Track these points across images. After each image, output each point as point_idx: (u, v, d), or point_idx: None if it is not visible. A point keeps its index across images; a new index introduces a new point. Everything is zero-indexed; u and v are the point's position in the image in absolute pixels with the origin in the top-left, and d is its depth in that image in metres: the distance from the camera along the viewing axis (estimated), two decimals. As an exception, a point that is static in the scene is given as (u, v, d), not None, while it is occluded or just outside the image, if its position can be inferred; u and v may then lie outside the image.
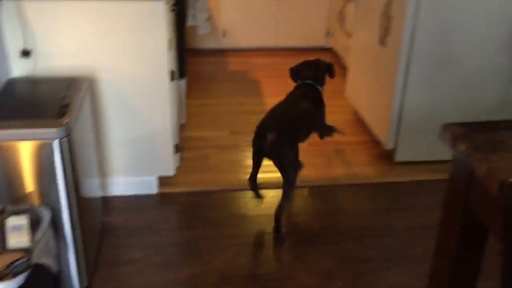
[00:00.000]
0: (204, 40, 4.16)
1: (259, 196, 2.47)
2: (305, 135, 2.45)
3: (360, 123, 3.20)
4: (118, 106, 2.30)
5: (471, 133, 1.05)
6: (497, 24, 2.50)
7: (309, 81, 2.51)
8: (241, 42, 4.32)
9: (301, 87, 2.52)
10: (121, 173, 2.44)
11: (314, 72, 2.53)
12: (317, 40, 4.30)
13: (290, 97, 2.48)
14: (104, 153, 2.38)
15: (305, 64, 2.58)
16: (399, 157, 2.77)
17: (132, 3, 2.14)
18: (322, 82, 2.55)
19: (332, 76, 2.58)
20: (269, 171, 2.72)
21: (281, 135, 2.19)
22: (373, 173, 2.74)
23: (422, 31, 2.46)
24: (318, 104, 2.52)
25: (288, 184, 2.24)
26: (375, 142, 2.96)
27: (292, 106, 2.40)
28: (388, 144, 2.75)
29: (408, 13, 2.43)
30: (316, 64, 2.55)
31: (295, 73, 2.57)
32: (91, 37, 2.15)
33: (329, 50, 4.30)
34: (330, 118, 3.20)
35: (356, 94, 3.23)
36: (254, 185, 2.42)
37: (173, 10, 2.56)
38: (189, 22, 3.00)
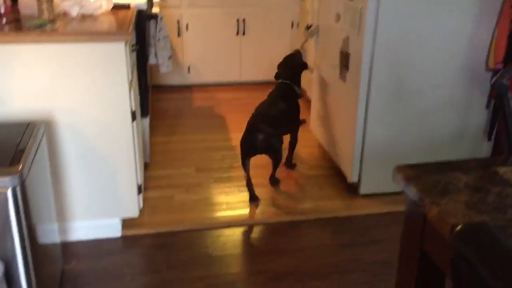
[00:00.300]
0: (169, 76, 4.17)
1: (256, 198, 2.77)
2: (286, 129, 2.87)
3: (325, 156, 3.23)
4: (78, 149, 2.25)
5: (422, 175, 1.06)
6: (449, 59, 2.59)
7: (287, 81, 2.96)
8: (205, 78, 4.35)
9: (280, 86, 2.96)
10: (83, 217, 2.37)
11: (291, 73, 2.98)
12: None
13: (271, 96, 2.90)
14: (64, 197, 2.32)
15: (284, 64, 3.04)
16: (363, 189, 2.80)
17: (91, 45, 2.13)
18: (298, 83, 2.99)
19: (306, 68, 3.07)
20: (232, 209, 2.71)
21: (268, 133, 2.64)
22: (339, 207, 2.74)
23: (379, 67, 2.53)
24: (293, 103, 2.93)
25: (277, 161, 2.80)
26: (339, 175, 2.98)
27: (274, 106, 2.81)
28: (352, 177, 2.77)
29: (364, 50, 2.49)
30: (292, 64, 3.01)
31: (276, 74, 3.04)
32: (49, 80, 2.12)
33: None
34: (296, 152, 3.22)
35: (320, 128, 3.27)
36: (251, 187, 2.78)
37: (134, 50, 2.56)
38: (151, 61, 3.00)
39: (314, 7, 3.20)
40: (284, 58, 3.10)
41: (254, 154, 2.73)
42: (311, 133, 3.42)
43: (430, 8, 2.47)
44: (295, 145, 3.07)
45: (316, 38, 3.18)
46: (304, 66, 3.06)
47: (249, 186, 2.76)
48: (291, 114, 2.92)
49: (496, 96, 1.21)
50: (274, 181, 2.92)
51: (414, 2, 2.44)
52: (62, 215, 2.33)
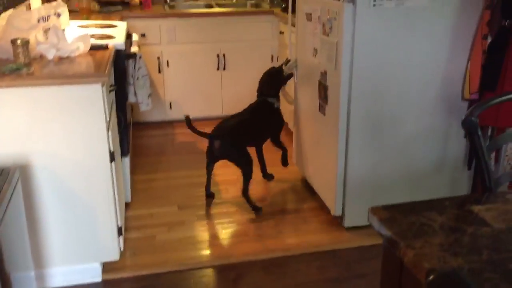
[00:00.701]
0: (151, 113, 4.16)
1: (212, 196, 3.13)
2: (249, 140, 3.07)
3: (309, 189, 3.21)
4: (56, 192, 2.21)
5: (397, 217, 1.05)
6: (426, 89, 2.62)
7: (264, 98, 3.15)
8: (187, 113, 4.33)
9: (255, 102, 3.17)
10: (61, 262, 2.31)
11: (267, 89, 3.16)
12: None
13: (244, 111, 3.15)
14: (41, 242, 2.26)
15: (264, 81, 3.21)
16: (347, 222, 2.78)
17: (68, 88, 2.11)
18: (275, 96, 3.18)
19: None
20: (215, 246, 2.67)
21: (224, 141, 2.89)
22: (323, 241, 2.72)
23: (357, 99, 2.55)
24: (265, 117, 3.14)
25: (244, 173, 2.94)
26: (323, 208, 2.96)
27: (237, 117, 3.04)
28: (336, 211, 2.75)
29: (342, 84, 2.51)
30: (269, 82, 3.18)
31: (257, 91, 3.22)
32: (25, 124, 2.10)
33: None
34: (280, 186, 3.22)
35: (302, 161, 3.27)
36: (209, 192, 3.12)
37: (112, 90, 2.55)
38: (131, 99, 2.99)
39: (292, 42, 3.22)
40: (264, 73, 3.24)
41: (214, 160, 3.01)
42: (294, 166, 3.41)
43: (405, 40, 2.51)
44: (279, 144, 3.26)
45: (295, 72, 3.21)
46: (286, 78, 3.20)
47: (207, 188, 3.11)
48: (260, 127, 3.14)
49: (467, 134, 1.21)
50: (245, 196, 2.98)
51: (389, 34, 2.48)
52: (39, 262, 2.27)
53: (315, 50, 2.81)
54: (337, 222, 2.84)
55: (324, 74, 2.72)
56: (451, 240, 0.98)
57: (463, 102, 2.68)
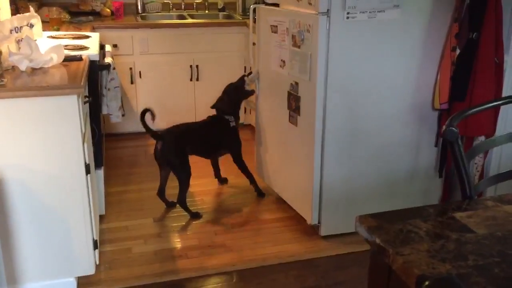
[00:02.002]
0: (123, 124, 4.10)
1: (171, 205, 3.12)
2: (204, 152, 3.19)
3: (277, 200, 3.21)
4: (29, 206, 2.16)
5: (384, 225, 1.08)
6: (398, 100, 2.69)
7: (221, 115, 3.20)
8: (160, 124, 4.30)
9: (211, 117, 3.24)
10: (35, 278, 2.25)
11: (225, 107, 3.20)
12: (241, 117, 4.38)
13: (200, 121, 3.27)
14: (14, 258, 2.20)
15: (221, 98, 3.25)
16: (324, 231, 2.81)
17: (42, 100, 2.07)
18: (234, 113, 3.22)
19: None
20: (191, 257, 2.64)
21: (166, 143, 2.96)
22: (300, 250, 2.74)
23: (332, 110, 2.59)
24: (223, 132, 3.18)
25: (180, 182, 2.99)
26: (297, 218, 2.97)
27: (189, 125, 3.16)
28: (313, 220, 2.78)
29: (318, 95, 2.55)
30: (227, 100, 3.21)
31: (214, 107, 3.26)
32: (-3, 137, 2.04)
33: (248, 126, 4.39)
34: (253, 196, 3.22)
35: (267, 171, 3.26)
36: (163, 197, 3.13)
37: (87, 102, 2.52)
38: (104, 111, 2.95)
39: (254, 54, 3.22)
40: (227, 86, 3.26)
41: (159, 164, 3.06)
42: (257, 177, 3.38)
43: (377, 52, 2.57)
44: (240, 164, 3.25)
45: (256, 84, 3.20)
46: (246, 94, 3.24)
47: (160, 194, 3.13)
48: (209, 141, 3.18)
49: (448, 144, 1.25)
50: (181, 204, 3.02)
51: (361, 46, 2.54)
52: (12, 278, 2.20)
53: (283, 62, 2.81)
54: (313, 231, 2.87)
55: (295, 85, 2.73)
56: (437, 246, 1.01)
57: (434, 112, 2.76)
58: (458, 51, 2.56)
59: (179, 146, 2.98)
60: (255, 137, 3.38)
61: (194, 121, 3.49)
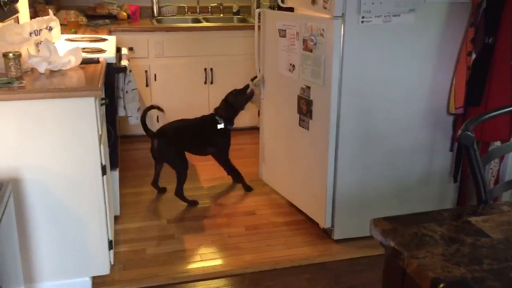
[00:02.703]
0: (138, 126, 4.13)
1: (162, 190, 3.36)
2: (196, 149, 3.33)
3: (289, 203, 3.20)
4: (47, 206, 2.19)
5: (399, 228, 1.08)
6: (412, 104, 2.68)
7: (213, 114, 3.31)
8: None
9: (205, 116, 3.35)
10: (51, 277, 2.28)
11: (225, 111, 3.30)
12: (250, 120, 4.40)
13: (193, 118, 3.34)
14: (32, 257, 2.23)
15: (221, 105, 3.35)
16: (337, 235, 2.81)
17: (60, 101, 2.11)
18: (227, 119, 3.30)
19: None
20: (205, 260, 2.67)
21: (162, 141, 3.14)
22: (313, 253, 2.74)
23: (346, 114, 2.59)
24: (212, 132, 3.28)
25: (178, 175, 3.18)
26: (310, 221, 2.97)
27: (182, 122, 3.27)
28: (326, 223, 2.78)
29: (332, 99, 2.55)
30: (225, 107, 3.31)
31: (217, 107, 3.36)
32: (17, 137, 2.08)
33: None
34: (265, 199, 3.23)
35: (275, 176, 3.25)
36: (156, 185, 3.36)
37: (103, 104, 2.55)
38: (120, 113, 2.99)
39: (259, 58, 3.18)
40: (230, 91, 3.34)
41: (156, 160, 3.26)
42: (262, 181, 3.39)
43: (392, 56, 2.57)
44: (223, 164, 3.39)
45: (261, 89, 3.20)
46: (244, 102, 3.31)
47: (154, 184, 3.35)
48: (200, 138, 3.29)
49: (463, 148, 1.25)
50: (178, 195, 3.20)
51: (376, 50, 2.54)
52: (29, 276, 2.24)
53: (292, 66, 2.81)
54: (325, 234, 2.87)
55: (306, 89, 2.73)
56: (452, 250, 1.01)
57: (448, 117, 2.75)
58: (474, 56, 2.55)
59: (172, 142, 3.16)
60: (259, 142, 3.39)
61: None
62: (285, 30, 2.84)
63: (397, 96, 2.64)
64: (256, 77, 3.23)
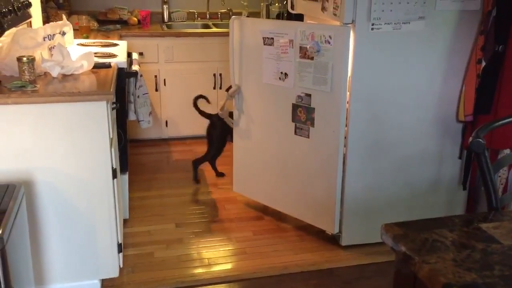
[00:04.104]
0: (147, 130, 4.16)
1: (220, 175, 3.69)
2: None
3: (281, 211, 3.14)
4: (58, 208, 2.22)
5: (410, 234, 1.09)
6: (422, 111, 2.69)
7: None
8: (183, 131, 4.37)
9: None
10: (61, 279, 2.31)
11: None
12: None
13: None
14: (42, 259, 2.26)
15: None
16: (345, 241, 2.81)
17: (73, 105, 2.14)
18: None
19: None
20: (213, 264, 2.67)
21: (210, 123, 3.55)
22: (321, 259, 2.74)
23: (354, 120, 2.60)
24: (216, 129, 3.54)
25: (206, 153, 3.59)
26: (317, 227, 2.94)
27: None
28: (335, 229, 2.78)
29: (341, 106, 2.56)
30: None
31: None
32: (30, 140, 2.11)
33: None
34: (264, 204, 3.21)
35: (265, 190, 3.10)
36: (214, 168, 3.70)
37: (114, 108, 2.58)
38: (131, 117, 3.02)
39: (235, 69, 3.03)
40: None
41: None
42: (233, 193, 3.33)
43: (401, 63, 2.58)
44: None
45: (237, 99, 3.07)
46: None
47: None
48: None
49: (475, 155, 1.26)
50: (194, 163, 3.62)
51: (385, 58, 2.55)
52: (39, 278, 2.26)
53: (284, 74, 2.76)
54: (333, 240, 2.87)
55: (305, 97, 2.70)
56: (463, 256, 1.02)
57: (458, 124, 2.75)
58: (483, 64, 2.55)
59: (217, 126, 3.46)
60: (233, 155, 3.22)
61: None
62: (272, 38, 2.77)
63: (406, 103, 2.65)
64: (230, 87, 3.07)
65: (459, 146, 2.80)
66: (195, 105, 3.54)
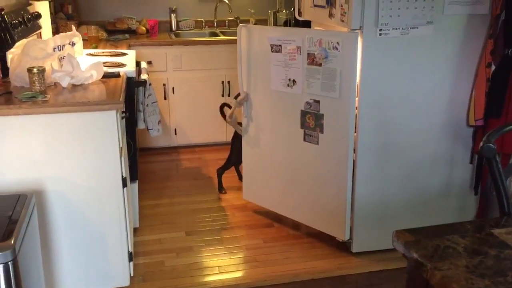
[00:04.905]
0: (156, 138, 4.18)
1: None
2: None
3: (288, 220, 3.15)
4: (68, 218, 2.23)
5: (421, 240, 1.08)
6: (431, 116, 2.67)
7: None
8: (192, 139, 4.38)
9: None
10: (72, 287, 2.31)
11: None
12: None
13: None
14: (53, 268, 2.27)
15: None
16: (355, 248, 2.79)
17: (83, 115, 2.15)
18: None
19: None
20: (224, 272, 2.67)
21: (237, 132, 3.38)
22: (332, 266, 2.72)
23: (364, 126, 2.59)
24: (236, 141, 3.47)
25: (228, 159, 3.55)
26: (328, 234, 2.93)
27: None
28: (345, 236, 2.76)
29: (350, 112, 2.55)
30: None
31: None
32: (40, 150, 2.13)
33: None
34: (274, 211, 3.20)
35: (274, 198, 3.10)
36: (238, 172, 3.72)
37: (123, 117, 2.59)
38: (140, 126, 3.03)
39: (243, 76, 3.03)
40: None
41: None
42: (243, 201, 3.33)
43: (410, 68, 2.57)
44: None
45: (245, 107, 3.07)
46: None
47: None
48: (235, 139, 3.49)
49: (486, 160, 1.25)
50: (218, 171, 3.60)
51: (394, 63, 2.54)
52: (51, 287, 2.27)
53: (292, 81, 2.76)
54: (344, 247, 2.85)
55: (314, 103, 2.69)
56: (476, 262, 1.01)
57: (468, 129, 2.73)
58: (493, 68, 2.54)
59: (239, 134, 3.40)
60: (244, 164, 3.22)
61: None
62: (279, 45, 2.77)
63: (415, 108, 2.64)
64: (239, 94, 3.08)
65: (470, 150, 2.77)
66: (222, 112, 3.57)
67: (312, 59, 2.64)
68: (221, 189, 3.57)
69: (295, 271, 2.68)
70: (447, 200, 2.83)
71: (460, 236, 1.11)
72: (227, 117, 3.20)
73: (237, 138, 3.41)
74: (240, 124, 3.20)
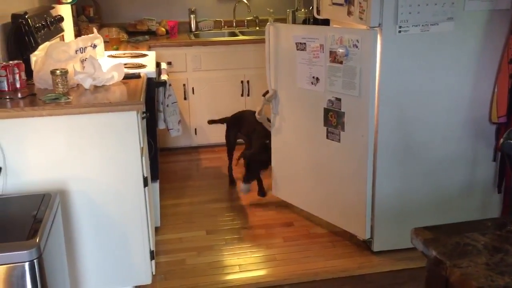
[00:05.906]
0: (176, 138, 4.22)
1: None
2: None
3: (311, 217, 3.16)
4: (91, 217, 2.27)
5: (440, 237, 1.07)
6: (453, 113, 2.64)
7: None
8: (212, 139, 4.41)
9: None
10: (95, 286, 2.36)
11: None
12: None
13: None
14: (77, 266, 2.31)
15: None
16: (376, 246, 2.78)
17: (104, 116, 2.19)
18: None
19: None
20: (245, 271, 2.68)
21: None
22: (352, 265, 2.71)
23: (384, 124, 2.57)
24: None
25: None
26: (348, 233, 2.92)
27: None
28: (366, 234, 2.75)
29: (370, 110, 2.54)
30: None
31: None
32: (64, 150, 2.17)
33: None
34: (294, 210, 3.21)
35: (299, 194, 3.14)
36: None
37: (144, 117, 2.63)
38: (160, 126, 3.07)
39: (271, 73, 3.08)
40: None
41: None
42: (273, 197, 3.37)
43: (430, 65, 2.55)
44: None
45: (273, 104, 3.12)
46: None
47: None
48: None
49: (506, 157, 1.23)
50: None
51: (414, 60, 2.52)
52: (75, 286, 2.31)
53: (316, 79, 2.78)
54: (365, 246, 2.84)
55: (336, 101, 2.70)
56: (496, 259, 1.00)
57: (491, 126, 2.69)
58: (515, 63, 2.50)
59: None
60: (272, 160, 3.27)
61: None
62: (304, 43, 2.80)
63: (437, 106, 2.61)
64: (267, 92, 3.12)
65: (492, 148, 2.73)
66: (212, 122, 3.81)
67: (334, 57, 2.65)
68: (232, 180, 3.70)
69: (315, 270, 2.68)
70: (470, 198, 2.79)
71: (480, 234, 1.10)
72: (256, 114, 3.22)
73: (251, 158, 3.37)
74: (269, 120, 3.23)
